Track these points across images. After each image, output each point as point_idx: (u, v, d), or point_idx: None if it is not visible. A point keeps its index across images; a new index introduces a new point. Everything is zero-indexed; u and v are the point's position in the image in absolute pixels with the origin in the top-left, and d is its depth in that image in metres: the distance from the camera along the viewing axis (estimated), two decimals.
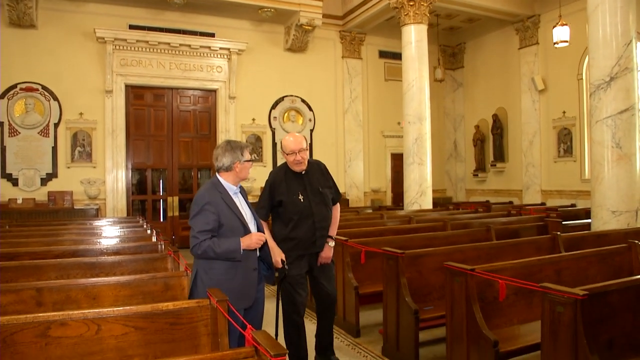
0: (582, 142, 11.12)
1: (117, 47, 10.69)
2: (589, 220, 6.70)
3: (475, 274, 3.40)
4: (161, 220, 11.64)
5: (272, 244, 3.65)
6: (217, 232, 3.05)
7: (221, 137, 11.73)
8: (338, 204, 4.13)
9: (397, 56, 11.90)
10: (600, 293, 2.86)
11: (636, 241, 4.55)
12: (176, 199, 11.61)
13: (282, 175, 3.90)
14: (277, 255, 3.61)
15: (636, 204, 6.09)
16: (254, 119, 12.14)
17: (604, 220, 6.13)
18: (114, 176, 10.78)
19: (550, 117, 11.89)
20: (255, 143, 12.14)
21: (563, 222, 6.92)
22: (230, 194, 3.17)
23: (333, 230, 4.03)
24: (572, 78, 11.31)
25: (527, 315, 3.68)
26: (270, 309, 3.97)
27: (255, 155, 12.14)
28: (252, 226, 3.21)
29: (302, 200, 3.81)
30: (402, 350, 4.20)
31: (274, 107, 12.40)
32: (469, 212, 9.16)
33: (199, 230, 3.01)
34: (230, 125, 11.82)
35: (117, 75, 10.79)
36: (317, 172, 3.97)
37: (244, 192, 3.36)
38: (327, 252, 3.92)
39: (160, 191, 11.80)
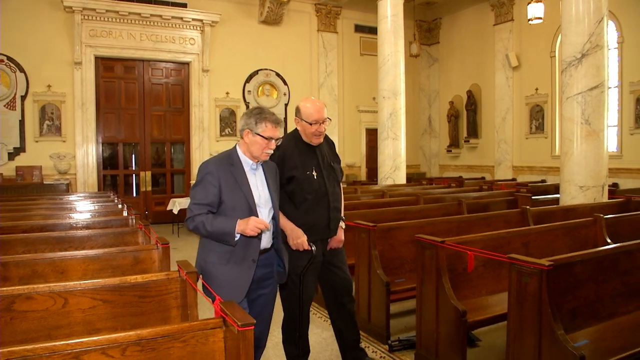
0: (553, 119, 11.30)
1: (86, 17, 10.35)
2: (558, 195, 6.83)
3: (445, 246, 3.44)
4: (134, 195, 11.49)
5: (290, 226, 3.15)
6: (217, 209, 2.67)
7: (194, 111, 11.57)
8: (340, 183, 3.69)
9: (373, 30, 11.82)
10: (565, 264, 2.93)
11: (601, 215, 4.67)
12: (149, 173, 11.45)
13: (293, 146, 3.29)
14: (301, 235, 3.13)
15: (603, 180, 6.21)
16: (227, 93, 11.97)
17: (572, 195, 6.25)
18: (84, 150, 10.55)
19: (523, 93, 12.02)
20: (229, 117, 12.01)
21: (533, 197, 7.06)
22: (245, 168, 2.73)
23: (342, 211, 3.55)
24: (545, 55, 11.42)
25: (495, 287, 3.76)
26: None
27: (229, 130, 12.03)
28: (264, 212, 2.76)
29: (315, 177, 3.27)
30: (373, 321, 4.25)
31: (248, 80, 12.24)
32: (442, 187, 9.26)
33: (194, 203, 2.66)
34: (203, 99, 11.64)
35: (86, 47, 10.47)
36: (327, 147, 3.49)
37: (270, 172, 2.87)
38: (340, 235, 3.43)
39: (132, 166, 11.63)
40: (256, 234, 2.60)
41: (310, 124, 3.21)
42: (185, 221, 2.67)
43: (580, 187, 6.21)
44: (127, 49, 10.84)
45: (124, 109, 11.20)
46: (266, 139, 2.68)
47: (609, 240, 4.50)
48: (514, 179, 11.77)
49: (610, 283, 3.25)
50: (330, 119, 3.32)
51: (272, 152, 2.77)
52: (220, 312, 1.94)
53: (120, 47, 10.76)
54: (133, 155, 11.63)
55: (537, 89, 11.67)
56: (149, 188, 11.43)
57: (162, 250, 3.36)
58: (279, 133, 2.74)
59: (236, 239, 2.59)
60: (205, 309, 3.54)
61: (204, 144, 11.69)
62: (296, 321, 3.33)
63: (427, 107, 14.92)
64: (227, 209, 2.66)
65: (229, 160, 2.72)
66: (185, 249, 8.40)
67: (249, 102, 12.20)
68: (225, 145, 11.89)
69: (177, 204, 9.54)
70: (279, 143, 2.90)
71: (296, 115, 3.31)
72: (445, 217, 5.14)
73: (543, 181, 10.85)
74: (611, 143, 9.42)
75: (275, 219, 2.84)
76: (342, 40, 13.44)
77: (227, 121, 12.00)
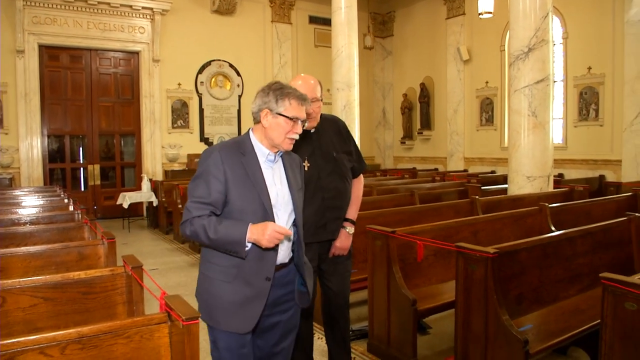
0: (502, 111, 11.59)
1: (28, 3, 9.89)
2: (506, 185, 7.04)
3: (396, 236, 3.49)
4: (82, 189, 11.14)
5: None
6: (221, 211, 2.12)
7: (145, 102, 11.29)
8: (362, 177, 3.17)
9: (328, 22, 11.80)
10: (510, 252, 3.03)
11: (546, 204, 4.85)
12: (97, 167, 11.11)
13: None
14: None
15: (549, 170, 6.43)
16: (179, 84, 11.73)
17: (519, 185, 6.44)
18: (28, 143, 10.12)
19: (474, 86, 12.31)
20: (181, 109, 11.78)
21: (482, 187, 7.27)
22: (260, 159, 2.18)
23: (353, 212, 3.05)
24: (495, 49, 11.72)
25: (445, 275, 3.85)
26: None
27: (181, 122, 11.81)
28: (282, 216, 2.20)
29: (307, 167, 2.82)
30: None
31: (200, 71, 12.03)
32: (395, 179, 9.40)
33: (193, 201, 2.09)
34: (154, 90, 11.36)
35: (29, 34, 10.01)
36: (332, 132, 3.01)
37: (293, 166, 2.33)
38: (344, 240, 2.97)
39: (80, 159, 11.24)
40: (274, 245, 2.06)
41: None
42: (181, 225, 2.11)
43: (528, 178, 6.41)
44: (74, 38, 10.43)
45: (71, 100, 10.79)
46: (291, 119, 2.13)
47: (553, 228, 4.68)
48: (465, 170, 12.07)
49: (553, 269, 3.38)
50: (321, 99, 2.88)
51: (297, 137, 2.20)
52: (165, 307, 1.90)
53: (65, 36, 10.35)
54: (81, 148, 11.24)
55: (487, 82, 11.97)
56: (98, 182, 11.09)
57: (107, 246, 3.28)
58: (305, 113, 2.21)
59: (247, 248, 2.04)
60: (155, 304, 3.47)
61: (156, 136, 11.43)
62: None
63: (381, 99, 15.07)
64: (234, 212, 2.10)
65: (240, 148, 2.16)
66: (136, 244, 8.22)
67: (201, 94, 11.99)
68: (178, 138, 11.68)
69: (127, 198, 9.30)
70: (306, 126, 2.49)
71: None
72: (397, 207, 5.21)
73: (493, 172, 11.18)
74: (556, 135, 9.82)
75: (297, 225, 2.27)
76: (297, 31, 13.38)
77: (179, 113, 11.77)
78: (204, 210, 2.07)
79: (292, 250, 2.30)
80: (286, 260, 2.26)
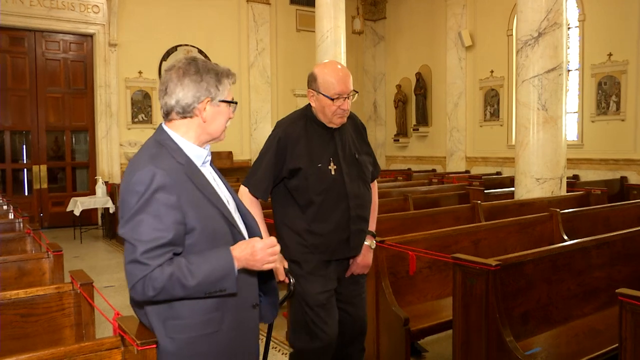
0: (510, 104, 11.62)
1: None
2: (513, 189, 7.11)
3: (386, 246, 3.50)
4: (25, 193, 11.01)
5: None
6: (184, 245, 1.81)
7: (100, 93, 11.20)
8: (376, 183, 3.10)
9: (311, 3, 11.82)
10: (515, 264, 3.05)
11: (557, 210, 4.91)
12: (44, 167, 11.00)
13: (300, 129, 2.80)
14: (278, 262, 2.44)
15: (561, 171, 6.50)
16: (140, 72, 11.66)
17: (527, 189, 6.50)
18: None
19: (477, 76, 12.40)
20: (143, 101, 11.72)
21: (486, 191, 7.32)
22: (197, 163, 1.94)
23: (373, 223, 3.00)
24: (501, 34, 11.81)
25: (442, 291, 3.87)
26: None
27: (143, 116, 11.75)
28: (240, 225, 2.01)
29: (332, 171, 2.74)
30: None
31: (165, 58, 11.96)
32: (388, 181, 9.45)
33: (145, 250, 1.71)
34: (111, 79, 11.28)
35: None
36: (351, 130, 2.93)
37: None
38: (367, 257, 2.90)
39: (23, 158, 11.12)
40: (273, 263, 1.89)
41: (332, 100, 2.70)
42: (132, 289, 1.73)
43: (537, 180, 6.47)
44: (13, 16, 10.25)
45: (11, 90, 10.65)
46: (232, 103, 2.01)
47: (565, 237, 4.73)
48: (467, 171, 12.15)
49: (564, 284, 3.41)
50: (357, 92, 2.81)
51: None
52: (118, 330, 1.88)
53: (3, 13, 10.14)
54: (24, 146, 11.12)
55: (492, 72, 12.07)
56: (45, 185, 10.98)
57: (54, 260, 3.25)
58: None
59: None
60: (108, 327, 3.44)
61: (113, 133, 11.34)
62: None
63: (372, 91, 15.12)
64: (200, 241, 1.82)
65: (173, 156, 1.88)
66: (89, 258, 8.14)
67: None
68: (139, 134, 11.60)
69: (79, 204, 9.22)
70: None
71: (310, 87, 2.79)
72: (389, 214, 5.23)
73: (498, 173, 11.27)
74: (571, 131, 9.91)
75: (249, 226, 2.08)
76: (276, 13, 13.38)
77: (141, 105, 11.71)
78: (164, 256, 1.73)
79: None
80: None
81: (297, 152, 2.73)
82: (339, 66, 2.78)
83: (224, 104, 1.96)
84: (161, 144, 1.90)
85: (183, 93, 1.90)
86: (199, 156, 1.95)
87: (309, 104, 2.84)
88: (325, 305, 2.75)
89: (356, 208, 2.77)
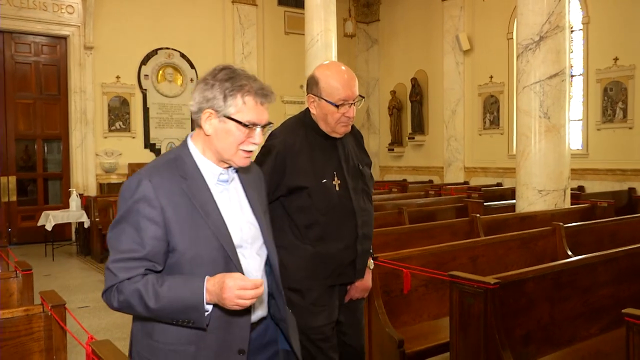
0: (510, 112, 11.64)
1: None
2: (514, 201, 7.15)
3: (379, 263, 3.50)
4: None
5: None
6: (163, 265, 1.80)
7: (74, 99, 11.18)
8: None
9: (300, 4, 11.89)
10: (515, 282, 3.06)
11: (561, 223, 4.93)
12: (13, 179, 10.94)
13: (301, 139, 2.63)
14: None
15: (565, 182, 6.53)
16: (118, 77, 11.66)
17: (529, 201, 6.53)
18: None
19: (476, 82, 12.49)
20: (121, 107, 11.71)
21: (485, 203, 7.36)
22: (209, 181, 1.87)
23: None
24: (501, 37, 11.90)
25: (439, 310, 3.86)
26: None
27: (121, 124, 11.71)
28: (251, 257, 1.92)
29: (337, 186, 2.61)
30: None
31: (144, 62, 11.99)
32: (381, 193, 9.48)
33: (117, 259, 1.74)
34: (86, 84, 11.28)
35: None
36: (352, 139, 2.83)
37: (252, 182, 2.05)
38: (367, 279, 2.79)
39: None
40: (244, 307, 1.72)
41: (336, 106, 2.53)
42: (104, 295, 1.77)
43: (539, 191, 6.50)
44: None
45: None
46: (245, 126, 1.82)
47: (569, 253, 4.75)
48: (465, 183, 12.22)
49: (568, 303, 3.42)
50: (363, 97, 2.67)
51: (253, 149, 1.88)
52: (92, 355, 1.87)
53: None
54: None
55: (491, 77, 12.15)
56: (14, 198, 10.90)
57: (22, 279, 3.23)
58: (266, 115, 1.89)
59: (207, 313, 1.72)
60: (81, 352, 3.41)
61: (88, 141, 11.31)
62: None
63: (365, 97, 15.12)
64: (183, 264, 1.78)
65: (178, 169, 1.82)
66: (62, 276, 8.08)
67: (146, 89, 11.94)
68: (117, 143, 11.58)
69: (51, 218, 9.16)
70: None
71: (310, 92, 2.63)
72: (382, 228, 5.24)
73: (499, 184, 11.33)
74: (575, 140, 9.94)
75: (271, 265, 2.00)
76: (263, 15, 13.44)
77: (118, 112, 11.70)
78: (135, 270, 1.72)
79: (270, 299, 2.02)
80: (265, 314, 1.99)
81: (298, 167, 2.57)
82: (343, 68, 2.62)
83: (232, 123, 1.80)
84: (173, 156, 1.88)
85: (194, 100, 1.85)
86: (213, 173, 1.87)
87: (307, 109, 2.68)
88: (330, 337, 2.63)
89: (363, 226, 2.66)
